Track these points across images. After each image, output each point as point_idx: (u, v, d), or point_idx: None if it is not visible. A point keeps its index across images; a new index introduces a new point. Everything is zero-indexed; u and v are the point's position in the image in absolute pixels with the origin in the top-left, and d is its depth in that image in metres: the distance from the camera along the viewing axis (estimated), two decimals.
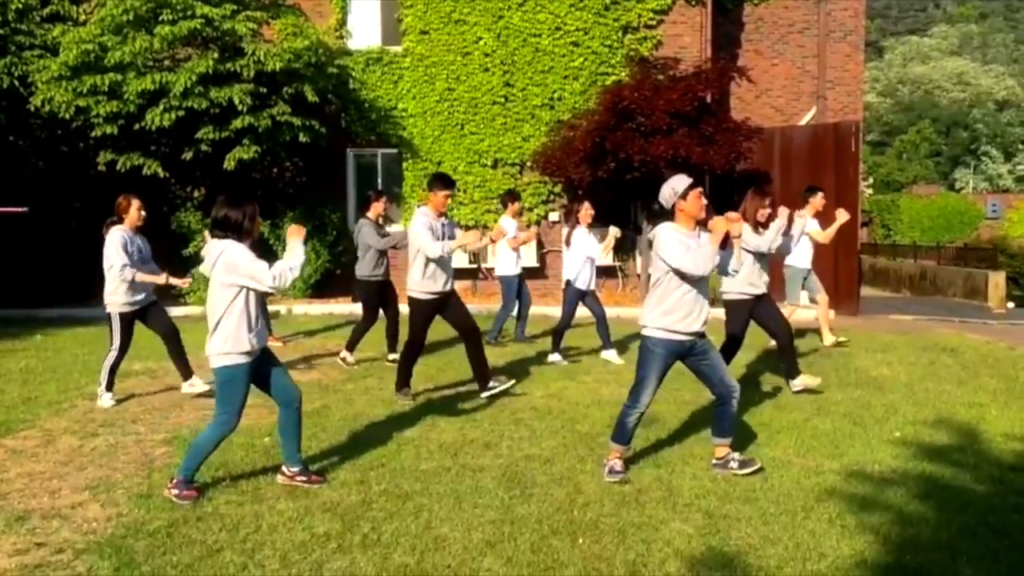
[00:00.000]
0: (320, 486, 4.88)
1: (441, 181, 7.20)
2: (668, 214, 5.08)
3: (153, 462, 5.47)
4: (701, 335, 5.10)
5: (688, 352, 5.09)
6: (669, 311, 4.97)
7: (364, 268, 9.09)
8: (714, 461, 5.30)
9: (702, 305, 5.06)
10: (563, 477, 5.13)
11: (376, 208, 9.26)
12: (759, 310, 7.32)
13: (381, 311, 9.27)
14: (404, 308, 7.53)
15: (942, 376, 8.47)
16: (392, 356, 9.16)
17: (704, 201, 5.03)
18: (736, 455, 5.26)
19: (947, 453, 5.69)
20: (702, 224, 5.11)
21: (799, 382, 7.46)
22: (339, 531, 4.25)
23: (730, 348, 7.33)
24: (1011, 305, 18.31)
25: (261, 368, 4.85)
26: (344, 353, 8.96)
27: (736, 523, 4.37)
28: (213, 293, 4.71)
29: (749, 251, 6.92)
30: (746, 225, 6.92)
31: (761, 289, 7.24)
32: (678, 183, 5.04)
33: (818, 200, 9.78)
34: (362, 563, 3.88)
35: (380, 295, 9.16)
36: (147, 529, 4.27)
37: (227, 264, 4.63)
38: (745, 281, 7.13)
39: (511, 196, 10.63)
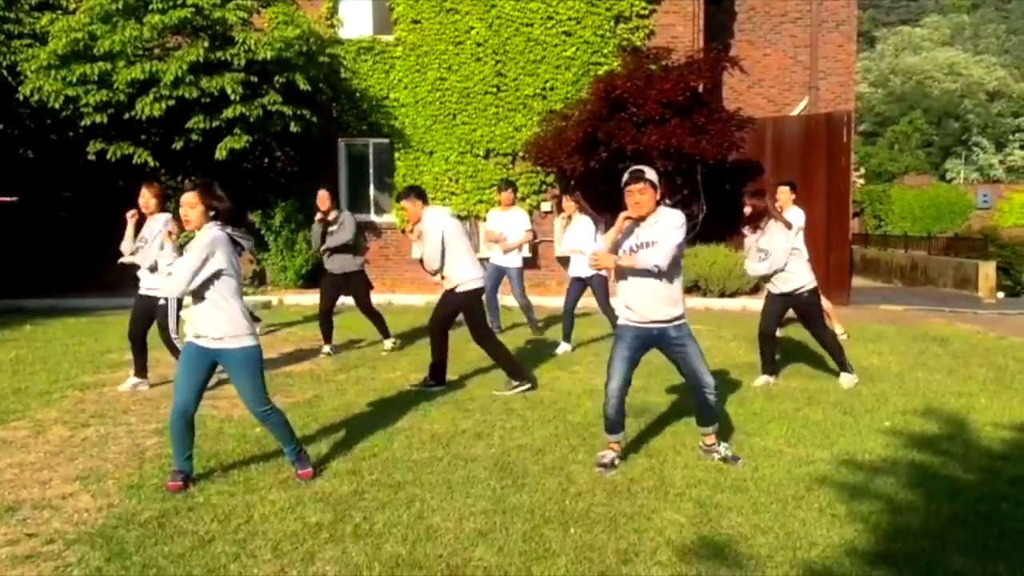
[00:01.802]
0: (306, 481, 4.82)
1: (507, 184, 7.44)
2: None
3: (144, 452, 5.45)
4: (669, 323, 5.06)
5: (659, 341, 5.11)
6: (623, 298, 5.09)
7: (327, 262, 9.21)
8: (700, 444, 5.36)
9: (655, 292, 4.99)
10: (555, 467, 5.14)
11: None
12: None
13: (356, 301, 9.34)
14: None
15: (932, 366, 8.51)
16: (388, 343, 9.20)
17: (639, 199, 4.95)
18: (723, 447, 5.27)
19: (937, 442, 5.72)
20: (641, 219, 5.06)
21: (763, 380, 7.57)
22: (331, 521, 4.25)
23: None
24: (1001, 295, 18.39)
25: (229, 371, 4.82)
26: (326, 347, 9.01)
27: (727, 512, 4.39)
28: None
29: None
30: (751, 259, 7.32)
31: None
32: (624, 174, 5.06)
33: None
34: (354, 553, 3.88)
35: (338, 286, 9.13)
36: (138, 519, 4.26)
37: None
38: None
39: (507, 186, 10.59)
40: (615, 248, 5.06)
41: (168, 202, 7.35)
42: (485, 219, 15.66)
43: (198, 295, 4.62)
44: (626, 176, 5.04)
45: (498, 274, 10.17)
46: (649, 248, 4.97)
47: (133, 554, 3.86)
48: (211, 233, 4.63)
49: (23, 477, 4.96)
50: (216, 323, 4.62)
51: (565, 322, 9.26)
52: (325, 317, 9.05)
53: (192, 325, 4.72)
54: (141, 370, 7.37)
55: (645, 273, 4.95)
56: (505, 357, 7.31)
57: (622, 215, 5.03)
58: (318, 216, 9.02)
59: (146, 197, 7.06)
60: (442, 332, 7.36)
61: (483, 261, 10.68)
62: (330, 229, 9.00)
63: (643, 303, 5.01)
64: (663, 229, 4.98)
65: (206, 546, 3.95)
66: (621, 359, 5.09)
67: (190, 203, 4.66)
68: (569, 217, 9.40)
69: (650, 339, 5.09)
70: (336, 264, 9.06)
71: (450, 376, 7.70)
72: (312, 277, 15.06)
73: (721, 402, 6.68)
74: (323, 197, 9.07)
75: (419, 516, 4.33)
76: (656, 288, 4.99)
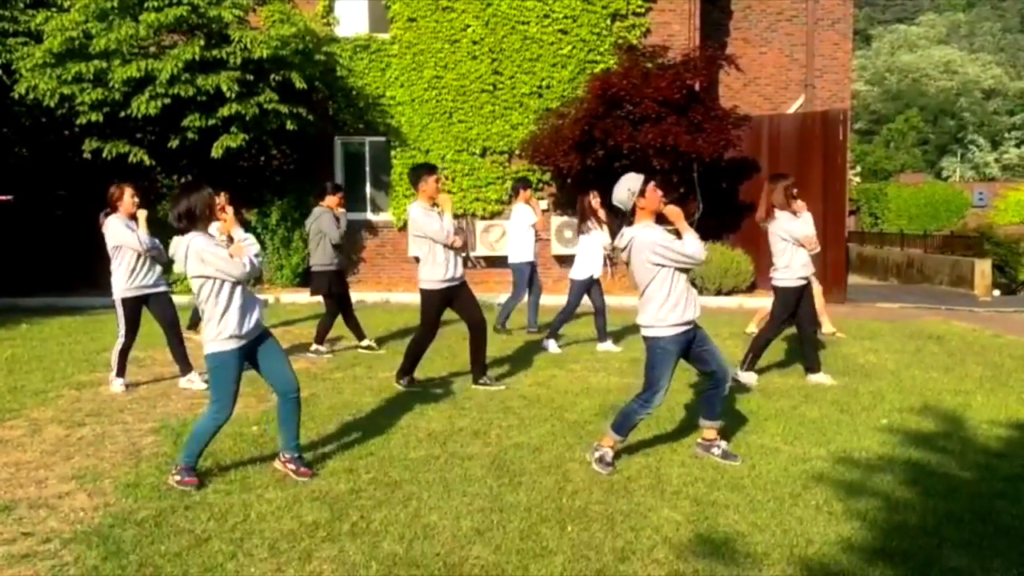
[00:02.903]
0: (306, 480, 4.85)
1: (426, 168, 7.25)
2: (628, 216, 5.06)
3: (140, 451, 5.45)
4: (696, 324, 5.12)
5: (692, 341, 5.09)
6: (675, 305, 4.96)
7: (322, 257, 8.97)
8: (699, 441, 5.35)
9: (694, 292, 5.11)
10: (552, 465, 5.14)
11: (331, 201, 9.09)
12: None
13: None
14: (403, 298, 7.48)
15: (928, 363, 8.52)
16: (365, 343, 9.15)
17: (659, 193, 5.03)
18: (723, 443, 5.29)
19: (933, 440, 5.73)
20: (659, 217, 5.10)
21: (816, 378, 7.54)
22: (328, 520, 4.24)
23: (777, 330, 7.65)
24: (997, 293, 18.42)
25: (260, 353, 4.84)
26: (315, 346, 8.93)
27: (724, 510, 4.39)
28: (194, 285, 4.70)
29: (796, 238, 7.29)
30: (793, 216, 7.31)
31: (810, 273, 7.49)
32: (633, 183, 5.02)
33: None
34: (351, 551, 3.87)
35: (339, 283, 9.11)
36: (135, 518, 4.25)
37: (196, 255, 4.60)
38: (800, 267, 7.34)
39: (523, 184, 10.62)
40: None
41: (164, 200, 7.34)
42: (482, 217, 15.81)
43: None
44: (642, 178, 5.05)
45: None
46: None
47: (130, 553, 3.85)
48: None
49: (19, 476, 4.95)
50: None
51: (560, 320, 9.27)
52: (334, 317, 9.07)
53: (250, 322, 4.73)
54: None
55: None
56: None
57: (674, 211, 5.07)
58: (340, 211, 9.09)
59: (135, 195, 7.13)
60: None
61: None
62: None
63: (692, 304, 5.02)
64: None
65: (203, 545, 3.94)
66: (671, 373, 5.04)
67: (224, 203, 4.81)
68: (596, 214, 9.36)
69: (686, 342, 5.06)
70: (339, 261, 9.08)
71: (446, 375, 7.70)
72: (308, 276, 15.02)
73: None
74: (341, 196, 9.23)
75: (416, 514, 4.33)
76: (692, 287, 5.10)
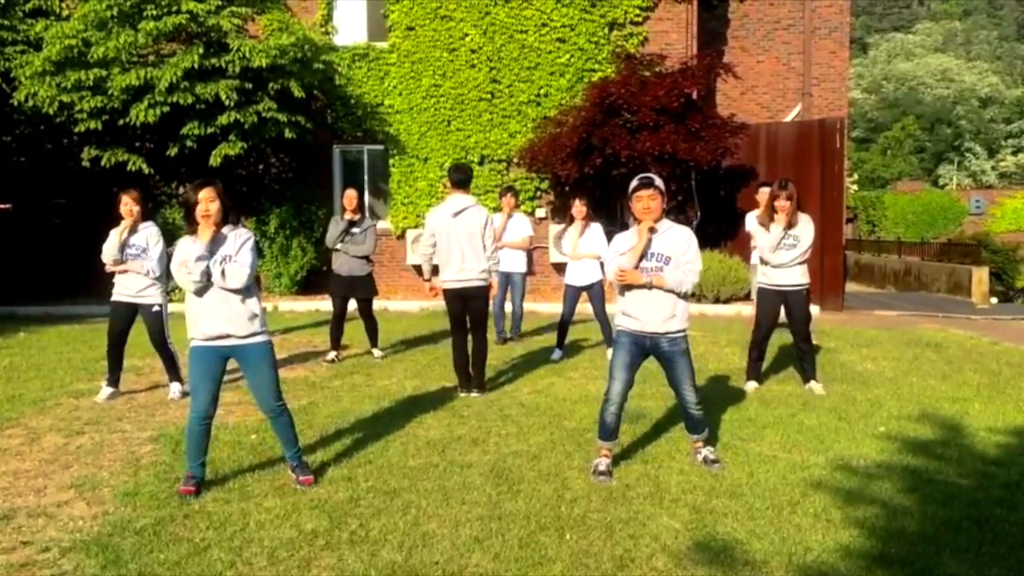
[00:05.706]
0: (306, 488, 4.84)
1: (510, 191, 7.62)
2: (629, 217, 5.20)
3: (139, 460, 5.44)
4: (663, 336, 5.06)
5: (652, 350, 5.12)
6: (624, 305, 5.11)
7: (334, 262, 9.17)
8: (694, 450, 5.42)
9: (658, 305, 5.01)
10: (551, 473, 5.14)
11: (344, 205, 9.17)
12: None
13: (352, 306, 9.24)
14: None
15: (926, 371, 8.53)
16: (377, 352, 9.16)
17: (648, 204, 4.96)
18: (704, 450, 5.34)
19: (931, 447, 5.74)
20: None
21: (812, 386, 7.54)
22: (327, 528, 4.24)
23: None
24: (994, 300, 18.48)
25: (245, 369, 4.90)
26: (332, 354, 8.95)
27: (723, 518, 4.40)
28: None
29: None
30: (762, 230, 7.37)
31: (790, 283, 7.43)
32: (635, 181, 5.08)
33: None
34: (350, 560, 3.87)
35: (344, 288, 9.10)
36: (134, 527, 4.25)
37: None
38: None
39: (509, 192, 10.60)
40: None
41: (163, 208, 7.36)
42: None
43: (236, 293, 4.72)
44: (635, 182, 5.05)
45: (504, 280, 9.99)
46: (670, 265, 4.99)
47: (129, 562, 3.85)
48: (247, 233, 4.87)
49: (18, 485, 4.95)
50: (244, 320, 4.75)
51: (561, 329, 9.24)
52: (338, 322, 9.04)
53: (210, 325, 4.72)
54: (117, 381, 7.31)
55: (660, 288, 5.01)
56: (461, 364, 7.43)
57: (646, 226, 5.01)
58: (347, 216, 9.01)
59: (129, 204, 7.10)
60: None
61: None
62: (353, 230, 8.98)
63: (644, 313, 5.03)
64: (678, 244, 5.03)
65: (202, 554, 3.94)
66: (623, 364, 5.10)
67: (210, 198, 4.71)
68: (581, 220, 9.30)
69: (645, 347, 5.12)
70: (344, 267, 9.05)
71: (445, 382, 7.70)
72: (307, 284, 15.05)
73: (715, 408, 6.71)
74: (351, 197, 9.10)
75: (415, 523, 4.33)
76: (661, 302, 5.02)
